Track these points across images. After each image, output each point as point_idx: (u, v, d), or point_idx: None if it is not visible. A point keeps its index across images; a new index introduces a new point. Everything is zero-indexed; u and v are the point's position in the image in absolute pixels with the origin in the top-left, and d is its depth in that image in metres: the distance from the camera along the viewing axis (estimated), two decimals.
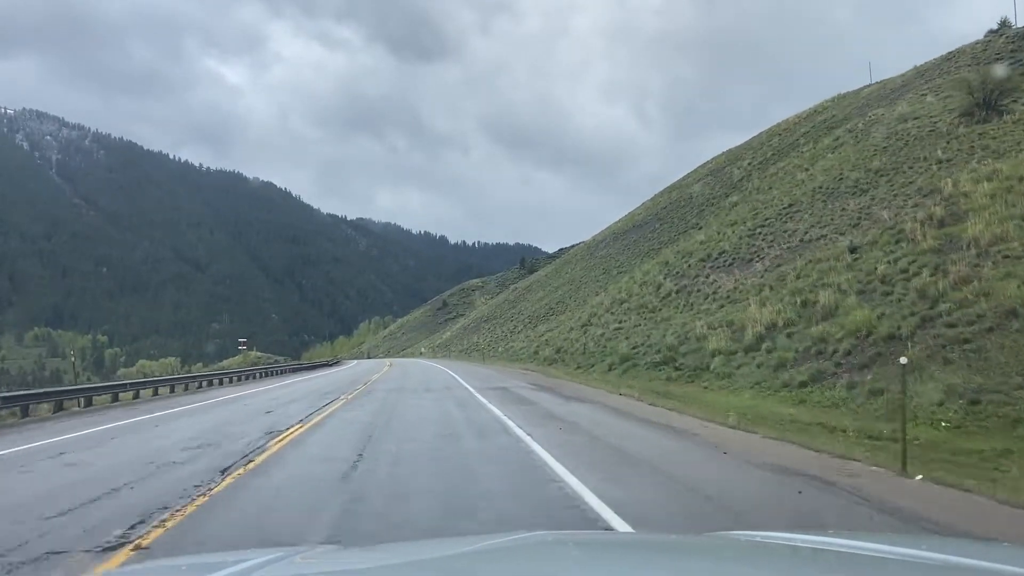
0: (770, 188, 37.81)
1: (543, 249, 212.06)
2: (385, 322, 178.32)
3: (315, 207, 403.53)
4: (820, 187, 29.82)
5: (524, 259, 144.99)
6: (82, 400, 21.06)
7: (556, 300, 57.37)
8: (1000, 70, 28.76)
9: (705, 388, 18.21)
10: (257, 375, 40.55)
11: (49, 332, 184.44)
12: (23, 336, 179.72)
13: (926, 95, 34.77)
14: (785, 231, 27.46)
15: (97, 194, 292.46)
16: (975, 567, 1.66)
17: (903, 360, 8.27)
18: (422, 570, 1.88)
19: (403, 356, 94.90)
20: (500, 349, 54.20)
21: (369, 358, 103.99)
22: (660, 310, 29.50)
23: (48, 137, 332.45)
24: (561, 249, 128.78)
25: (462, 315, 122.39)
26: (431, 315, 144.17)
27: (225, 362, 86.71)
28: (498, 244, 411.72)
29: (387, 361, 67.03)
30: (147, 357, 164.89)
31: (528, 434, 11.53)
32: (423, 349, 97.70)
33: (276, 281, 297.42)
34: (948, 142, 25.88)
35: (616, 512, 6.14)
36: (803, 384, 14.71)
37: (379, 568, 1.96)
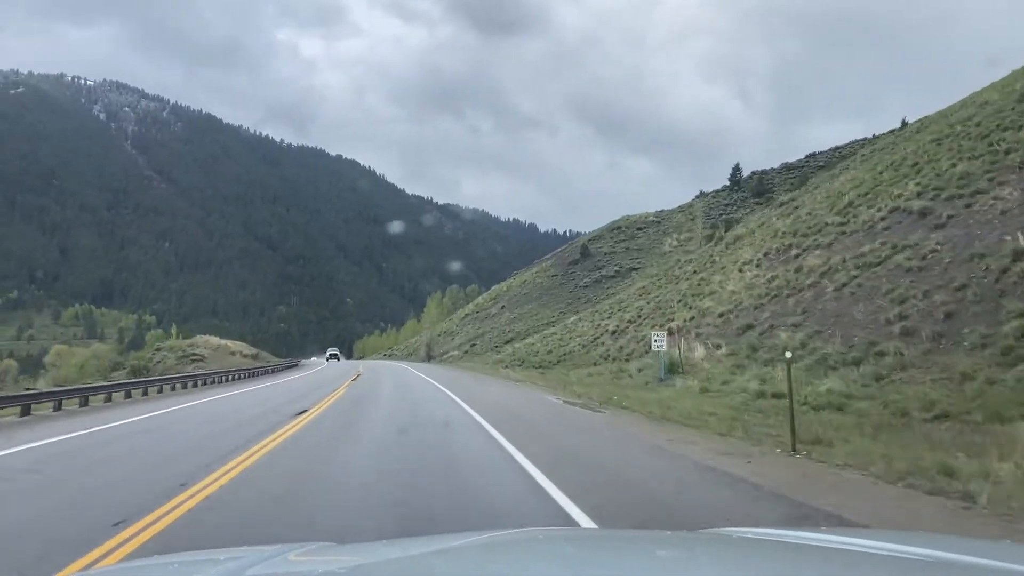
0: None
1: None
2: (468, 295, 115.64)
3: (400, 187, 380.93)
4: None
5: (737, 173, 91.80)
6: None
7: None
8: None
9: None
10: None
11: (91, 310, 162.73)
12: (60, 313, 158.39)
13: None
14: None
15: (170, 166, 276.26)
16: (972, 564, 1.64)
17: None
18: (417, 565, 1.91)
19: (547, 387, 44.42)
20: None
21: (424, 359, 69.34)
22: None
23: (126, 108, 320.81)
24: (812, 153, 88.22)
25: (636, 268, 72.23)
26: (556, 275, 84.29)
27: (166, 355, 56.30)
28: (588, 233, 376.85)
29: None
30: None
31: None
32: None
33: (354, 263, 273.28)
34: None
35: None
36: None
37: (374, 564, 1.97)
